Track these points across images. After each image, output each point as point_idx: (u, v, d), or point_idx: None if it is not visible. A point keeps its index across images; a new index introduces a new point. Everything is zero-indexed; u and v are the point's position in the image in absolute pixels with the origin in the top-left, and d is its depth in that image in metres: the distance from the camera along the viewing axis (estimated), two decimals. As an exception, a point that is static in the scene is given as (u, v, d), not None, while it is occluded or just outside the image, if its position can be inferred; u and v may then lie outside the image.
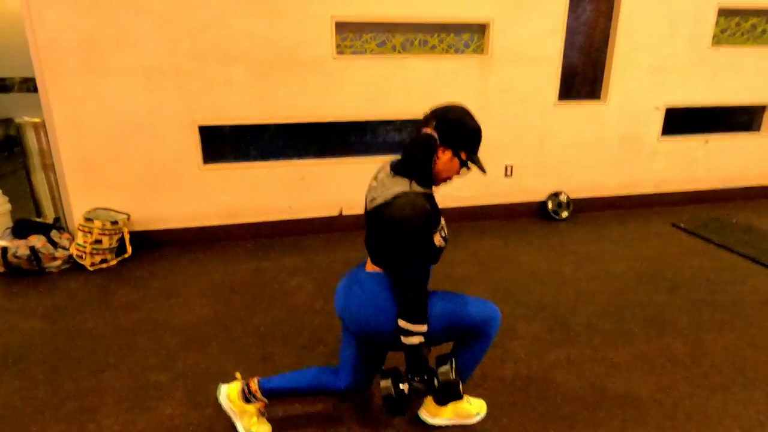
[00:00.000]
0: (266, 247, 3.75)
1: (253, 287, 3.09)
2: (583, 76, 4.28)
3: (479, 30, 3.86)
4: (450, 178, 1.62)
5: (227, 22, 3.38)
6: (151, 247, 3.69)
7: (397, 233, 1.49)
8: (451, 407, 1.91)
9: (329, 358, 2.36)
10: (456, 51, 3.89)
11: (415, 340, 1.51)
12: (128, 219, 3.56)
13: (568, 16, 3.93)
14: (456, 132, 1.54)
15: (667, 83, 4.29)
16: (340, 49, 3.66)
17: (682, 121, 4.58)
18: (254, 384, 1.80)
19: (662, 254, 3.58)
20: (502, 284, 3.11)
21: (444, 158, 1.56)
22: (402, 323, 1.51)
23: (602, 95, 4.25)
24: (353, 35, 3.68)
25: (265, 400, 1.82)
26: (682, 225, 4.13)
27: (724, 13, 4.26)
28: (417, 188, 1.53)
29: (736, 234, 3.92)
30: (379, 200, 1.54)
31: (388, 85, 3.76)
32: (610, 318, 2.71)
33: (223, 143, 3.78)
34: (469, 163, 1.60)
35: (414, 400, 1.86)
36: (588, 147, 4.34)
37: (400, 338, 1.54)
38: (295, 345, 2.47)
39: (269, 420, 1.91)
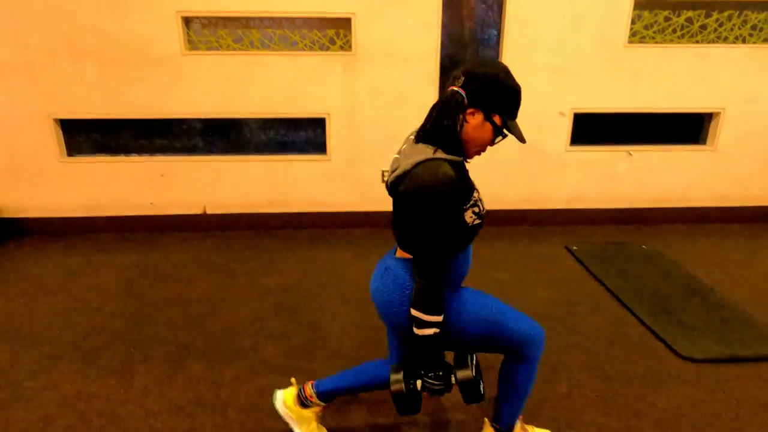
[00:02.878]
0: (121, 241, 3.77)
1: (64, 283, 3.10)
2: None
3: (345, 25, 3.61)
4: (483, 147, 1.41)
5: (74, 18, 3.42)
6: (15, 234, 3.85)
7: (417, 206, 1.30)
8: None
9: (42, 359, 2.31)
10: (321, 48, 3.67)
11: (429, 331, 1.34)
12: (-9, 206, 3.74)
13: (447, 10, 3.57)
14: (488, 90, 1.31)
15: (574, 86, 3.77)
16: (194, 45, 3.59)
17: (606, 129, 4.03)
18: (309, 388, 1.75)
19: (517, 280, 3.16)
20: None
21: (473, 122, 1.34)
22: (414, 312, 1.34)
23: (496, 98, 3.82)
24: (207, 30, 3.59)
25: (322, 403, 1.75)
26: (574, 248, 3.62)
27: (648, 6, 3.66)
28: (442, 155, 1.32)
29: (630, 263, 3.35)
30: (399, 170, 1.36)
31: (244, 82, 3.63)
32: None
33: (96, 136, 3.86)
34: (504, 130, 1.37)
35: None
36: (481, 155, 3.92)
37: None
38: (37, 348, 2.45)
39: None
